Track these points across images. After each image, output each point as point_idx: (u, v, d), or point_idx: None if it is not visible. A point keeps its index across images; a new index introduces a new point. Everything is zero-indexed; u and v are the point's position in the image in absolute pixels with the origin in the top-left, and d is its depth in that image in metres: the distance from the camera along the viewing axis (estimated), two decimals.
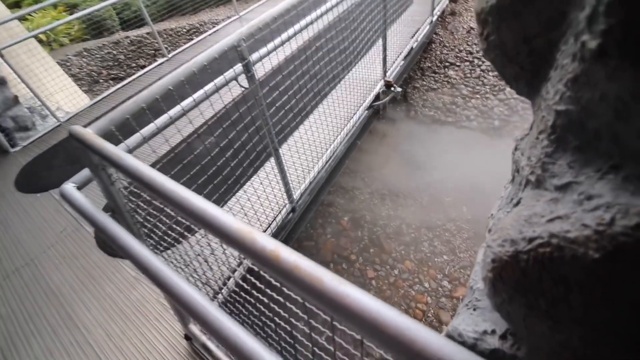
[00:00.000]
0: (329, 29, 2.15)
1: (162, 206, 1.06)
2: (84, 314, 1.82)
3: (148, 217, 1.05)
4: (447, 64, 4.62)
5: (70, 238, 2.33)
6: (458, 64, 4.62)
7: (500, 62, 0.38)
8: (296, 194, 2.10)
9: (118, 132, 0.96)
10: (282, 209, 2.11)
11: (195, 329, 1.48)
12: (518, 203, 0.37)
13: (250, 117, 1.51)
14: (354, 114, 2.75)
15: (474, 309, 0.48)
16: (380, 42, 2.98)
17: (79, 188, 0.99)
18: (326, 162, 2.39)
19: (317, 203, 2.85)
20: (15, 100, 4.26)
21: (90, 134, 0.86)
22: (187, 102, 1.21)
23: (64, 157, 3.50)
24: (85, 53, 8.12)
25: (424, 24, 4.31)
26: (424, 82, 4.28)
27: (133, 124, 1.00)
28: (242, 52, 1.34)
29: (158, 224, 1.06)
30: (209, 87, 1.30)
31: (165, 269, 0.68)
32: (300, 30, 1.71)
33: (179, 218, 1.07)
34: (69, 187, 0.97)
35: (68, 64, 7.58)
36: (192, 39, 6.70)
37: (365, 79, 3.06)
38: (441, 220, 3.07)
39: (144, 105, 1.00)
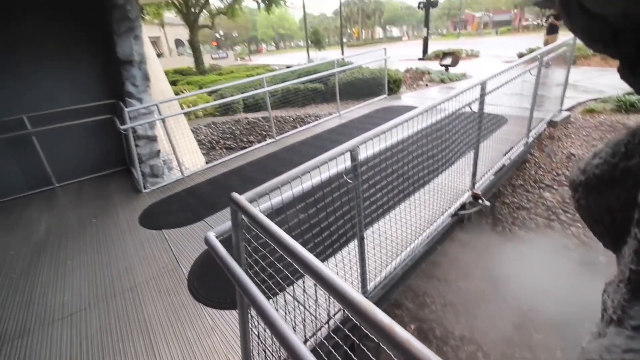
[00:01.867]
0: (422, 136, 2.43)
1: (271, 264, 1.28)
2: (163, 347, 2.02)
3: (258, 272, 1.27)
4: (542, 185, 4.47)
5: (168, 275, 2.71)
6: (555, 187, 4.43)
7: (589, 221, 0.50)
8: (370, 285, 2.15)
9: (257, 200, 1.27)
10: None
11: None
12: (604, 337, 0.45)
13: (348, 207, 1.75)
14: (438, 219, 2.82)
15: None
16: (471, 154, 3.15)
17: (217, 237, 1.28)
18: (403, 260, 2.43)
19: (386, 301, 2.78)
20: (157, 153, 5.45)
21: (243, 199, 1.17)
22: (307, 185, 1.52)
23: (179, 205, 4.21)
24: (212, 125, 10.13)
25: (519, 144, 4.39)
26: (515, 200, 4.16)
27: (269, 198, 1.31)
28: (355, 155, 1.65)
29: (265, 278, 1.27)
30: (325, 176, 1.61)
31: (273, 311, 0.85)
32: (402, 141, 2.01)
33: (279, 279, 1.27)
34: (212, 235, 1.27)
35: (198, 131, 9.50)
36: (296, 127, 7.89)
37: (453, 186, 3.18)
38: None
39: (280, 186, 1.31)
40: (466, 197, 3.12)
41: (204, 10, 21.51)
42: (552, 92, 5.86)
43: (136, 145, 5.00)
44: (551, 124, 5.62)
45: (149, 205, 4.30)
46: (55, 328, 2.31)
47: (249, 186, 4.50)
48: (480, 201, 3.08)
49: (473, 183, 3.15)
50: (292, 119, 9.40)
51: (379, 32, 71.55)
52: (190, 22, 20.52)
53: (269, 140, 6.38)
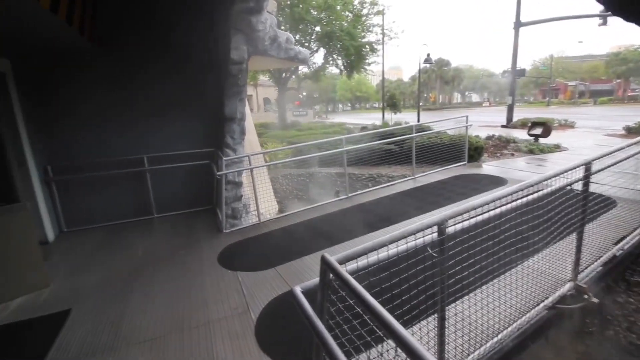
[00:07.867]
0: (516, 214, 2.22)
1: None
2: None
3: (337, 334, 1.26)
4: None
5: (238, 318, 2.80)
6: None
7: None
8: None
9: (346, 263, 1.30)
10: None
11: None
12: None
13: (432, 282, 1.67)
14: (531, 310, 2.46)
15: None
16: (573, 239, 2.77)
17: (303, 292, 1.33)
18: (488, 352, 2.13)
19: None
20: (240, 198, 5.95)
21: (334, 261, 1.21)
22: (392, 252, 1.51)
23: (254, 250, 4.45)
24: (288, 176, 10.82)
25: (634, 233, 3.73)
26: (631, 300, 3.41)
27: (356, 262, 1.34)
28: (443, 229, 1.61)
29: (344, 342, 1.25)
30: (411, 245, 1.58)
31: None
32: (494, 218, 1.90)
33: (359, 344, 1.22)
34: (298, 290, 1.32)
35: (275, 181, 10.21)
36: (367, 186, 7.96)
37: (551, 274, 2.78)
38: None
39: (368, 252, 1.33)
40: (567, 288, 2.69)
41: (293, 76, 24.46)
42: None
43: (224, 189, 5.57)
44: None
45: (227, 245, 4.62)
46: (138, 350, 2.50)
47: (320, 240, 4.52)
48: (585, 296, 2.62)
49: (576, 273, 2.72)
50: (364, 177, 9.54)
51: (457, 97, 71.45)
52: (280, 84, 23.40)
53: (341, 196, 6.52)
